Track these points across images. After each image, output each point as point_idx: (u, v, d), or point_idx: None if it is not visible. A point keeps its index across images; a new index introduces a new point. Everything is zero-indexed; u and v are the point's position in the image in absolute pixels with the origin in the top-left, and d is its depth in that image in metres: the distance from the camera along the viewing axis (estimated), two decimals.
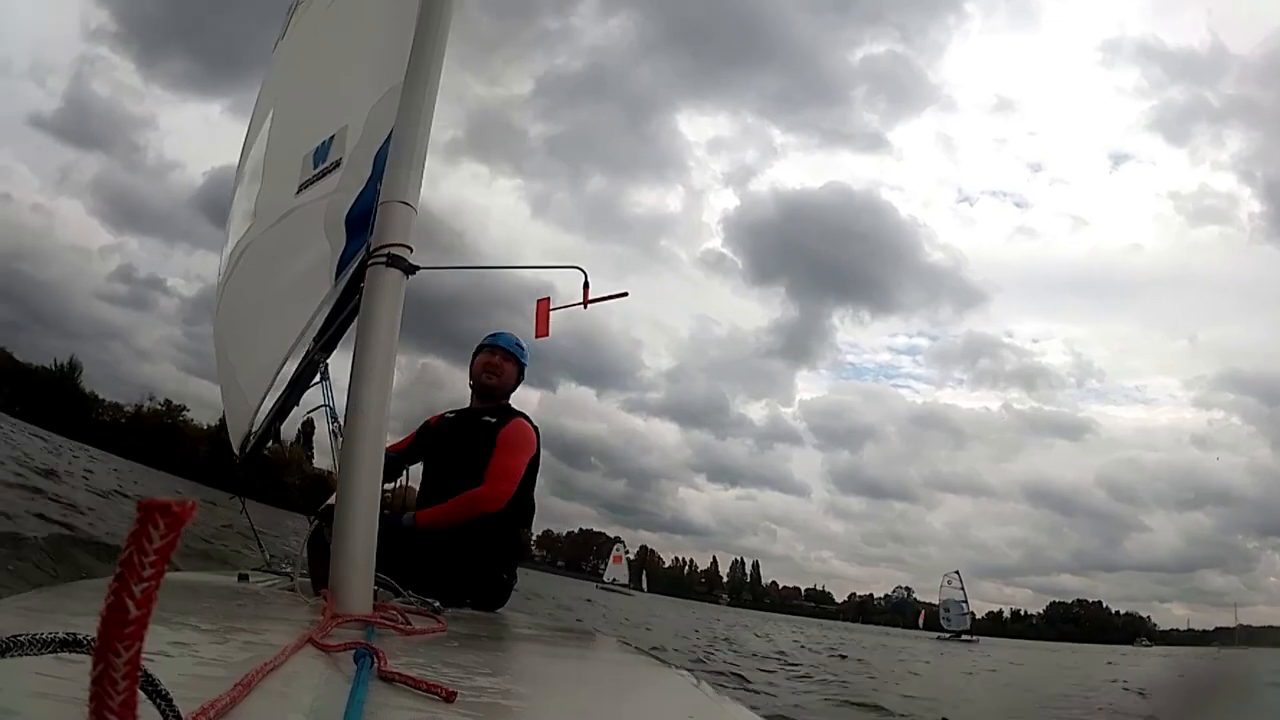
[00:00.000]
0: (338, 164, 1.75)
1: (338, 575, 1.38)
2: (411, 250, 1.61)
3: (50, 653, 0.42)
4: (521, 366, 2.60)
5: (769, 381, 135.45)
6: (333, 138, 1.79)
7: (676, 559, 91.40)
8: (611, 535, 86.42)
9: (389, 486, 2.54)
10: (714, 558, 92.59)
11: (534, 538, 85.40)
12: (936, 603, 48.79)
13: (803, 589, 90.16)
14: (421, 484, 2.52)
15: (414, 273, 1.60)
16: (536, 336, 2.15)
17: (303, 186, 1.87)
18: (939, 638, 39.52)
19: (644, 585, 57.71)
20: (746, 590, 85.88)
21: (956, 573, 47.81)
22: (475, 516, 2.22)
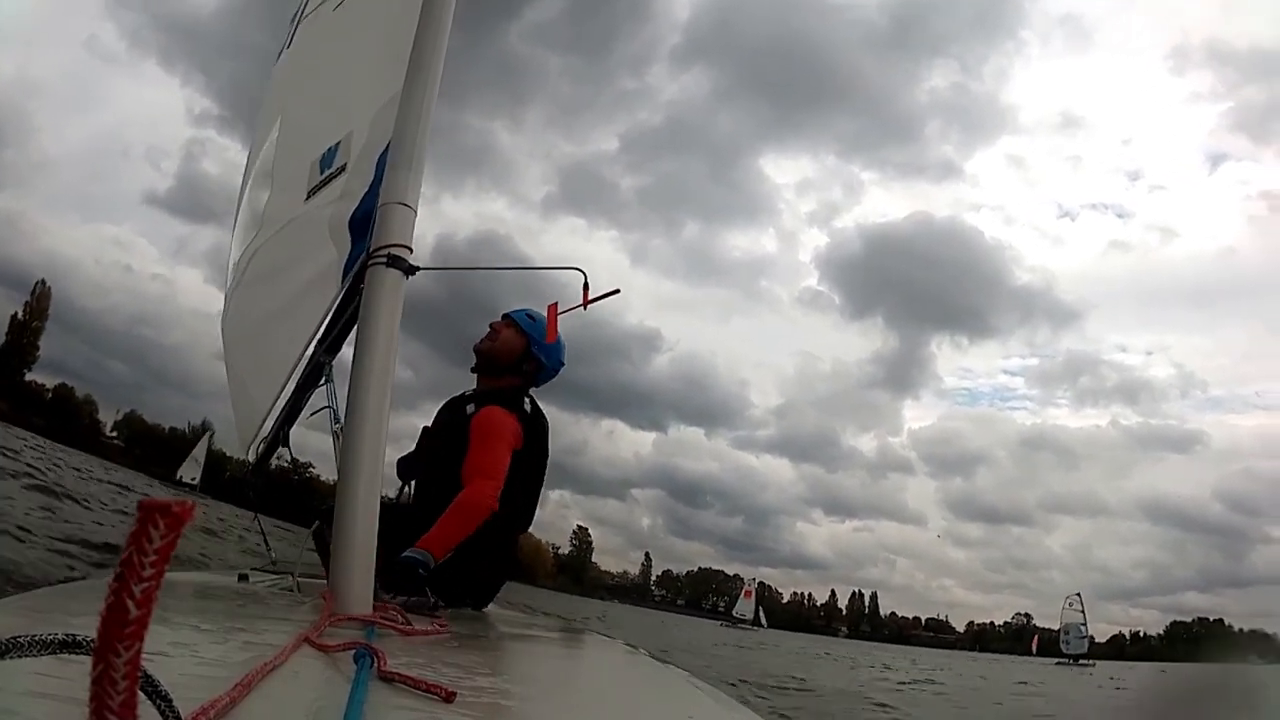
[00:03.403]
0: (343, 169, 1.77)
1: (337, 575, 1.38)
2: (411, 250, 1.62)
3: (50, 653, 0.42)
4: (529, 339, 2.32)
5: (876, 412, 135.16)
6: (339, 144, 1.80)
7: (795, 594, 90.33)
8: (730, 573, 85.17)
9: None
10: (832, 591, 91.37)
11: (654, 578, 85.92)
12: (1056, 628, 47.84)
13: (923, 619, 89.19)
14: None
15: (414, 273, 1.61)
16: (547, 341, 2.15)
17: (311, 193, 1.88)
18: (1058, 663, 38.52)
19: (763, 621, 58.25)
20: (865, 622, 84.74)
21: (1078, 595, 47.15)
22: (480, 523, 2.00)
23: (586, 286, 1.94)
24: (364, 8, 2.08)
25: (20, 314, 47.03)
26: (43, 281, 49.76)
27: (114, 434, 53.90)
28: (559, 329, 2.06)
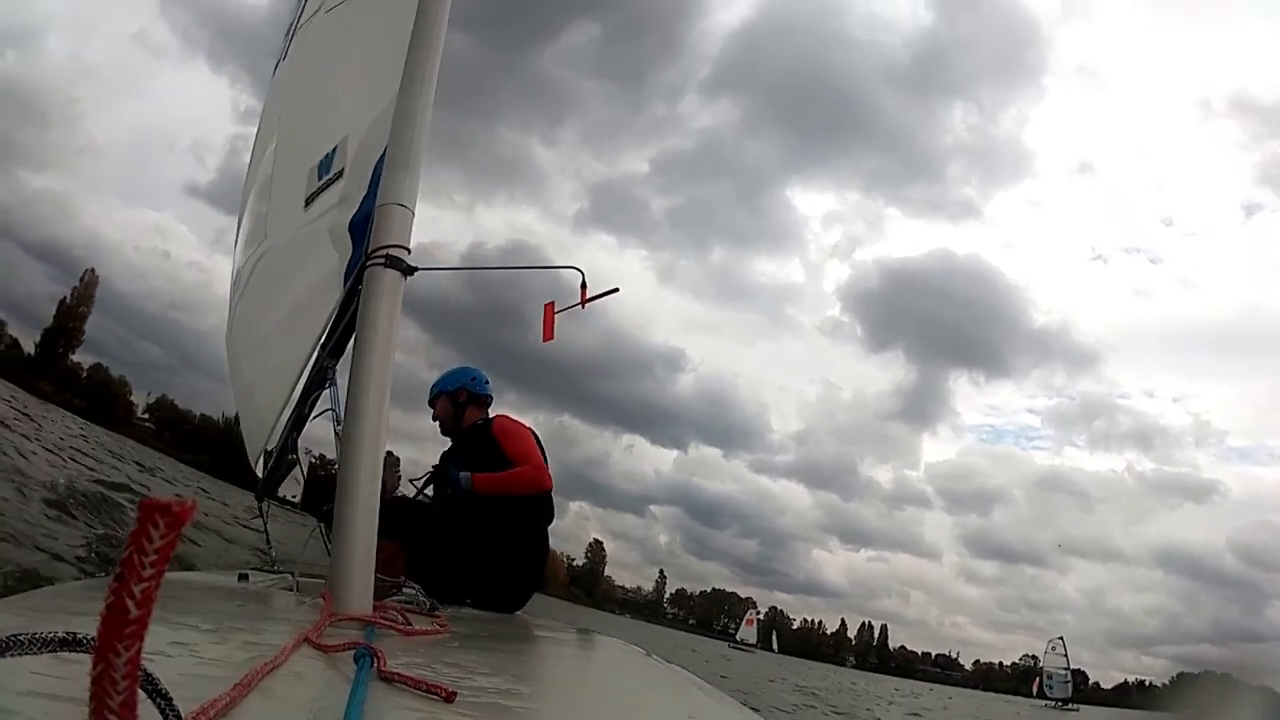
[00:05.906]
0: (340, 174, 1.77)
1: (337, 575, 1.38)
2: (409, 251, 1.62)
3: (50, 652, 0.42)
4: (447, 394, 2.76)
5: (894, 444, 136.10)
6: (335, 149, 1.80)
7: (805, 620, 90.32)
8: (744, 595, 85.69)
9: None
10: (842, 620, 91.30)
11: (667, 596, 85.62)
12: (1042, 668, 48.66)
13: (933, 654, 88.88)
14: None
15: (412, 274, 1.61)
16: (544, 340, 2.15)
17: (310, 200, 1.88)
18: (1047, 706, 39.34)
19: (774, 646, 58.65)
20: (873, 654, 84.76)
21: (1060, 639, 47.74)
22: (526, 492, 2.43)
23: (584, 286, 1.95)
24: (358, 10, 2.08)
25: (68, 299, 48.09)
26: (92, 270, 51.03)
27: (145, 416, 54.03)
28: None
